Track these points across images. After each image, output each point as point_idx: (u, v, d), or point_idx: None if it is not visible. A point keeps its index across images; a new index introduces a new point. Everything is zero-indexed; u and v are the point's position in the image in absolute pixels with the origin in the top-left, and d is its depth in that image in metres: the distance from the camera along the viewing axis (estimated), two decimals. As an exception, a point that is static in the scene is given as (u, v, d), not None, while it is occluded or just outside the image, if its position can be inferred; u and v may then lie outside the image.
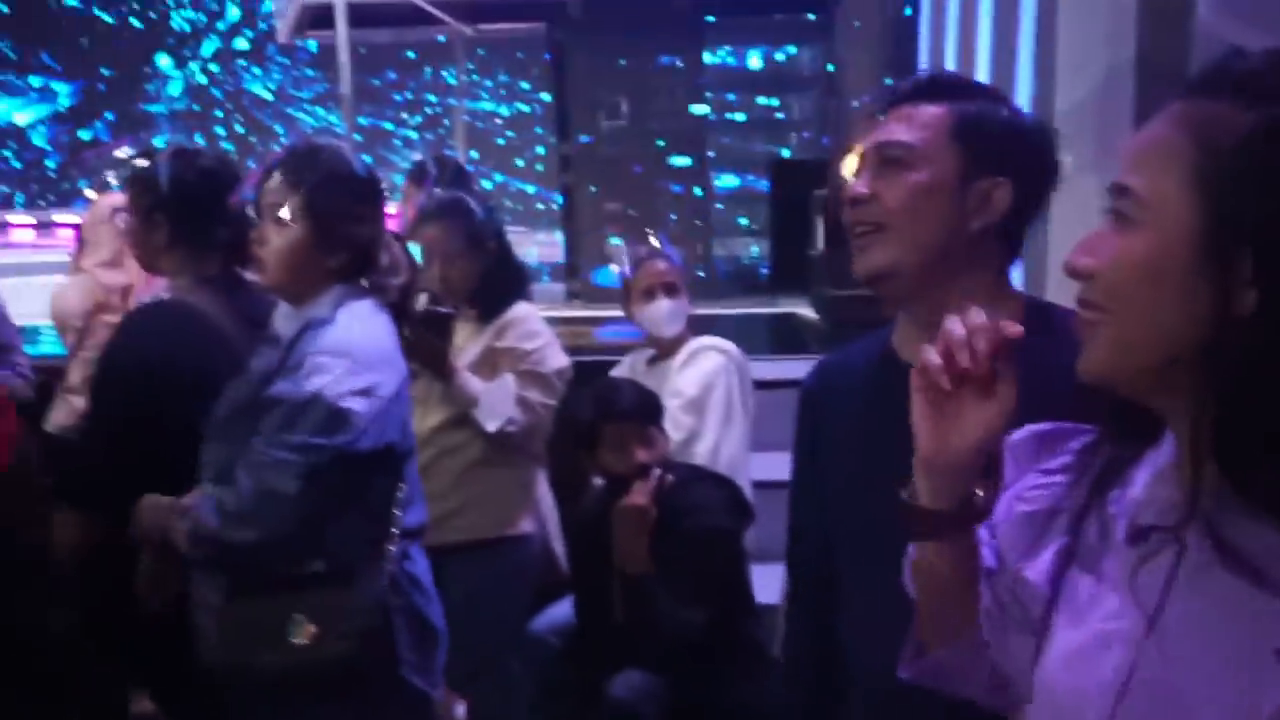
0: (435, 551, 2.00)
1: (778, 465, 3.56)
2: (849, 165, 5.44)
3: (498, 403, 2.55)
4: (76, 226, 9.34)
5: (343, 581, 1.72)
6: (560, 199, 8.03)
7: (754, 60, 10.25)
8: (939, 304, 1.02)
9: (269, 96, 16.03)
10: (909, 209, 1.15)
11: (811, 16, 7.85)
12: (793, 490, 1.39)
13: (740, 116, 10.49)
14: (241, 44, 16.00)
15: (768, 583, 2.56)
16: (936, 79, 1.25)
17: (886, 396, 0.96)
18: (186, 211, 2.00)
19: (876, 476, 0.91)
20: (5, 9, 15.67)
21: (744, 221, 9.32)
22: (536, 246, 7.97)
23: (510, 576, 2.69)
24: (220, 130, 15.79)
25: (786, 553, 1.41)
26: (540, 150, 14.58)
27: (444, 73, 12.06)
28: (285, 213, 1.74)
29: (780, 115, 10.67)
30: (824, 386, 1.34)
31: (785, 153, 9.50)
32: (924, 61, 7.29)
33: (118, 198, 3.64)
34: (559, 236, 7.80)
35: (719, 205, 8.62)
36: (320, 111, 15.58)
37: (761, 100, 10.83)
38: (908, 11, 6.60)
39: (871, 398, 1.22)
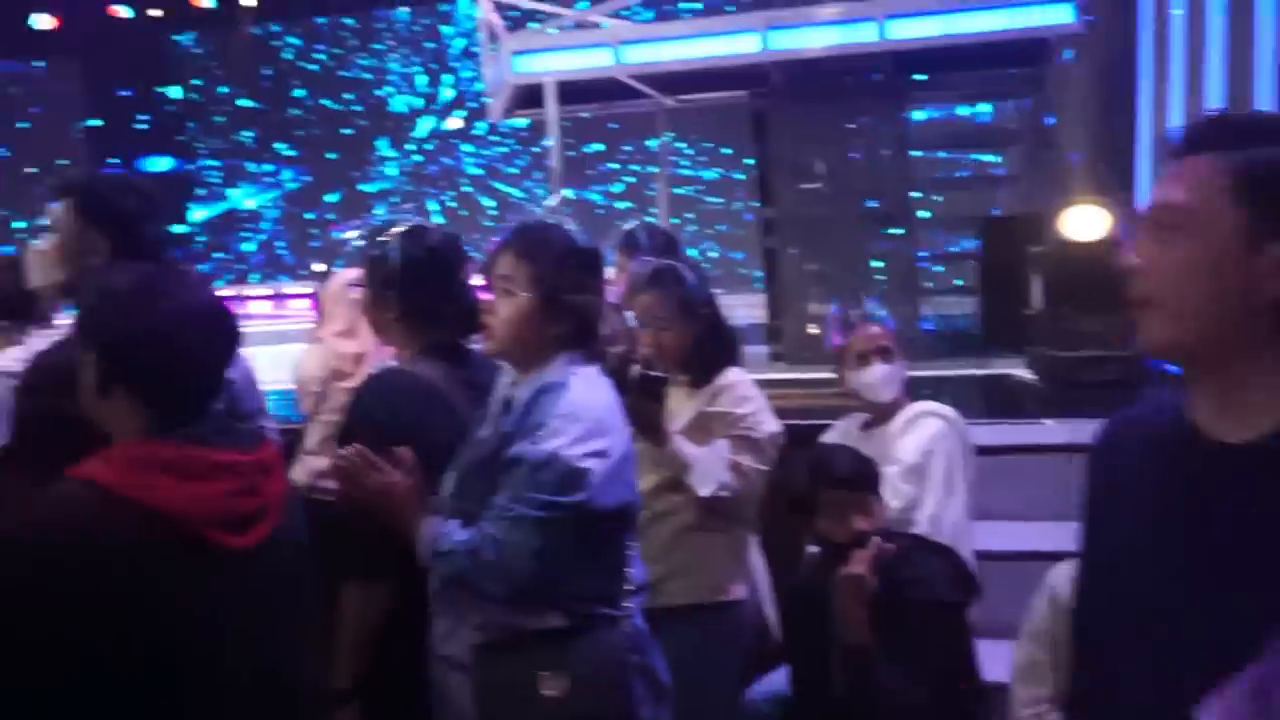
0: (646, 615, 2.02)
1: (1000, 535, 3.44)
2: (1070, 222, 5.20)
3: (711, 468, 2.55)
4: (307, 296, 9.92)
5: (583, 636, 1.79)
6: (763, 262, 8.04)
7: (961, 117, 10.04)
8: (1237, 380, 0.93)
9: (479, 172, 16.90)
10: (1180, 282, 1.02)
11: (1020, 70, 7.62)
12: (1083, 554, 1.27)
13: (947, 174, 10.25)
14: (454, 123, 16.96)
15: (993, 659, 2.43)
16: (1218, 122, 1.07)
17: (1182, 476, 0.87)
18: (415, 287, 2.13)
19: (1165, 562, 0.83)
20: (252, 103, 17.29)
21: (955, 280, 9.05)
22: (741, 309, 8.00)
23: (722, 643, 2.66)
24: (433, 205, 16.73)
25: (1072, 615, 1.25)
26: (739, 212, 14.75)
27: (647, 143, 12.37)
28: (515, 285, 1.85)
29: (989, 171, 10.37)
30: (1113, 448, 1.19)
31: (995, 210, 9.19)
32: (1144, 111, 6.95)
33: (353, 273, 3.91)
34: (762, 299, 7.79)
35: (926, 264, 8.40)
36: (526, 184, 16.31)
37: (969, 156, 10.57)
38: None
39: (1165, 472, 1.07)
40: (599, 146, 15.08)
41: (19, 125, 16.17)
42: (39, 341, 3.37)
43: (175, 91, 17.27)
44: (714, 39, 7.16)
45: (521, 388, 1.87)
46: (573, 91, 7.51)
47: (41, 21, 15.01)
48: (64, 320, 3.79)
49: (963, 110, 10.10)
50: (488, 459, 1.84)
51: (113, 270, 1.64)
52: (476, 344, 2.15)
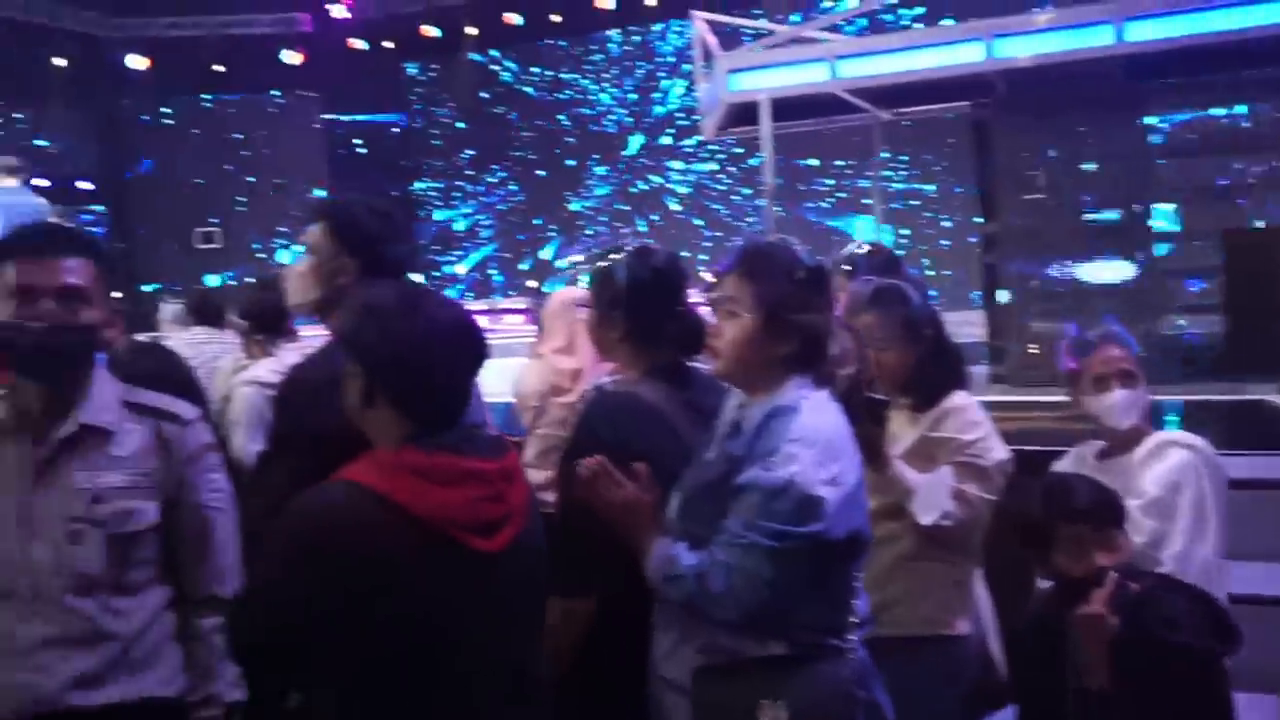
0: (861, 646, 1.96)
1: (1255, 577, 3.15)
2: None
3: (934, 495, 2.45)
4: (521, 311, 10.34)
5: (806, 666, 1.75)
6: (983, 279, 7.73)
7: (1202, 122, 9.34)
8: None
9: (687, 190, 17.06)
10: None
11: (1266, 71, 7.00)
12: None
13: (1188, 183, 9.56)
14: (663, 141, 17.19)
15: (1250, 715, 2.22)
16: None
17: None
18: (640, 308, 2.15)
19: None
20: (470, 126, 18.12)
21: (1199, 298, 8.41)
22: (960, 328, 7.73)
23: (942, 678, 2.55)
24: (642, 225, 16.99)
25: None
26: (956, 226, 14.24)
27: (864, 159, 12.13)
28: (739, 306, 1.83)
29: (1234, 180, 9.60)
30: None
31: (1243, 221, 8.49)
32: None
33: (575, 292, 4.02)
34: (981, 317, 7.49)
35: (1166, 279, 7.84)
36: (736, 201, 16.33)
37: (1212, 164, 9.82)
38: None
39: None
40: (812, 161, 14.92)
41: (264, 152, 17.56)
42: (288, 354, 3.66)
43: (401, 117, 18.33)
44: (935, 50, 6.96)
45: (750, 411, 1.84)
46: (786, 107, 7.47)
47: (290, 57, 16.32)
48: (312, 335, 4.09)
49: (1205, 115, 9.40)
50: (715, 482, 1.82)
51: (373, 289, 1.75)
52: (703, 365, 2.15)
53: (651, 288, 2.16)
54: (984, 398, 3.69)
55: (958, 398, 2.59)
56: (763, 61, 7.71)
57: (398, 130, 18.39)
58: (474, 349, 1.69)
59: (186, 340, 4.93)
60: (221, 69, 16.25)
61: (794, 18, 9.50)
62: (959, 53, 6.85)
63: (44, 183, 9.36)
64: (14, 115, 15.81)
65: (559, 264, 17.44)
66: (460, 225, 18.48)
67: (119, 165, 17.04)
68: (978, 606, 2.69)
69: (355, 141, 18.03)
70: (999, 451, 2.53)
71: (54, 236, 1.91)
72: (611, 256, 2.26)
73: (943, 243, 14.60)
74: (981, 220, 7.63)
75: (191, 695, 1.98)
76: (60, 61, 15.51)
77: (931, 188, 14.68)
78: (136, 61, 15.92)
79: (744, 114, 7.73)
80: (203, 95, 17.13)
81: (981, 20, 7.04)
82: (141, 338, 5.26)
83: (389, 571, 1.53)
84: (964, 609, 2.60)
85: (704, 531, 1.79)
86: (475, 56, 17.62)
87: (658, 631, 1.91)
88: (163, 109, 17.29)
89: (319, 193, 16.97)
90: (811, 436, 1.73)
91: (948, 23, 10.54)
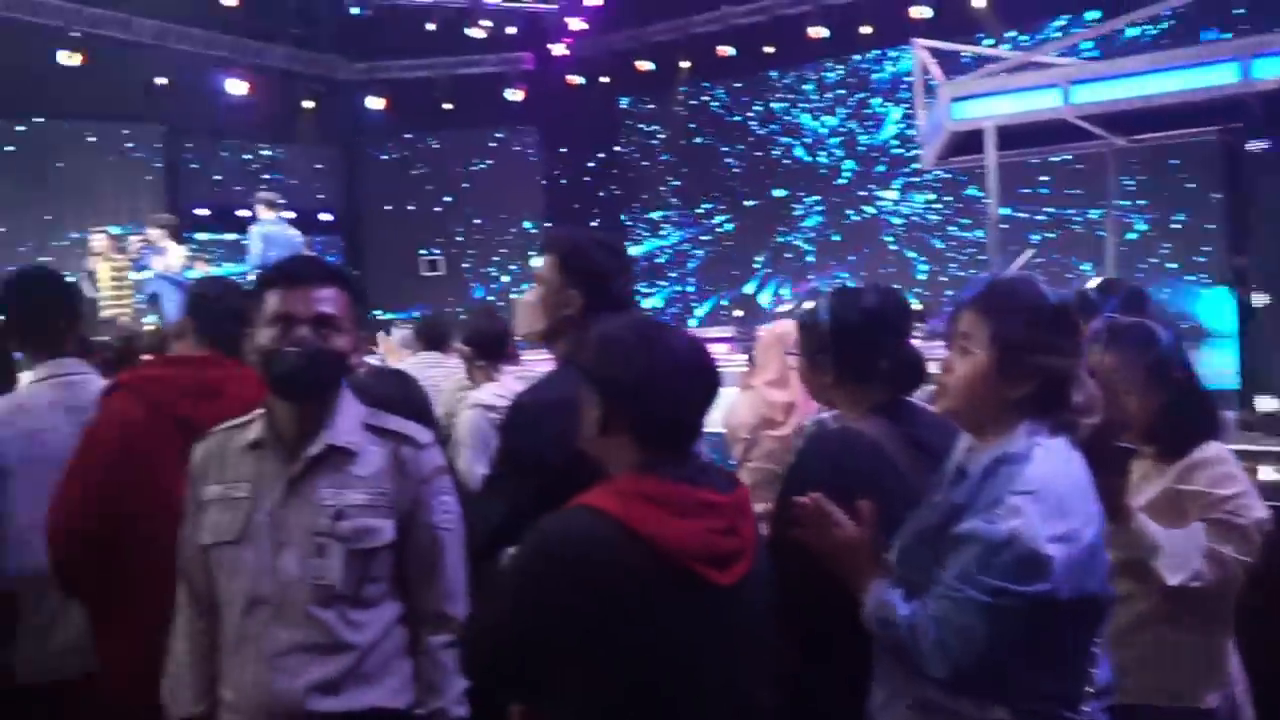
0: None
1: None
2: None
3: (1183, 553, 2.26)
4: (725, 340, 10.35)
5: None
6: (1237, 317, 7.13)
7: None
8: None
9: (900, 221, 16.65)
10: None
11: None
12: None
13: None
14: (876, 173, 16.87)
15: None
16: None
17: None
18: (848, 350, 2.10)
19: None
20: (681, 159, 18.38)
21: None
22: (1206, 371, 7.16)
23: (1191, 757, 2.34)
24: (851, 257, 16.68)
25: None
26: (1200, 261, 13.25)
27: (1094, 188, 11.46)
28: (973, 343, 1.74)
29: None
30: None
31: None
32: None
33: (787, 326, 3.98)
34: (1231, 360, 6.90)
35: None
36: (953, 232, 15.81)
37: None
38: None
39: None
40: (1042, 191, 14.24)
41: (483, 184, 18.43)
42: (510, 378, 3.80)
43: (613, 150, 18.81)
44: (1181, 73, 6.49)
45: (977, 456, 1.75)
46: (1012, 135, 7.18)
47: (512, 94, 17.09)
48: (533, 360, 4.23)
49: None
50: (935, 529, 1.73)
51: (611, 321, 1.79)
52: (928, 403, 2.07)
53: (858, 328, 2.11)
54: (1234, 446, 3.39)
55: (1211, 448, 2.39)
56: (989, 89, 7.41)
57: (609, 163, 18.88)
58: (708, 381, 1.71)
59: (413, 364, 5.20)
60: (449, 106, 17.19)
61: (1019, 39, 9.10)
62: (1209, 75, 6.37)
63: (291, 214, 10.10)
64: (264, 152, 17.25)
65: (762, 297, 17.38)
66: (667, 256, 18.74)
67: (355, 198, 18.29)
68: (1230, 678, 2.46)
69: (569, 174, 18.64)
70: (1258, 510, 2.32)
71: (311, 268, 2.06)
72: (815, 299, 2.22)
73: (1189, 278, 13.57)
74: (1232, 254, 7.06)
75: (418, 709, 2.05)
76: (308, 104, 16.86)
77: (1178, 217, 13.67)
78: (374, 102, 17.09)
79: (966, 143, 7.48)
80: (431, 131, 18.17)
81: (1235, 40, 6.54)
82: (372, 360, 5.59)
83: (626, 598, 1.55)
84: (1214, 680, 2.38)
85: (921, 579, 1.71)
86: (683, 89, 17.89)
87: (874, 680, 1.84)
88: (393, 145, 18.46)
89: (529, 225, 17.71)
90: (1042, 488, 1.61)
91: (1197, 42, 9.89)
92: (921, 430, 2.07)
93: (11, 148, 14.56)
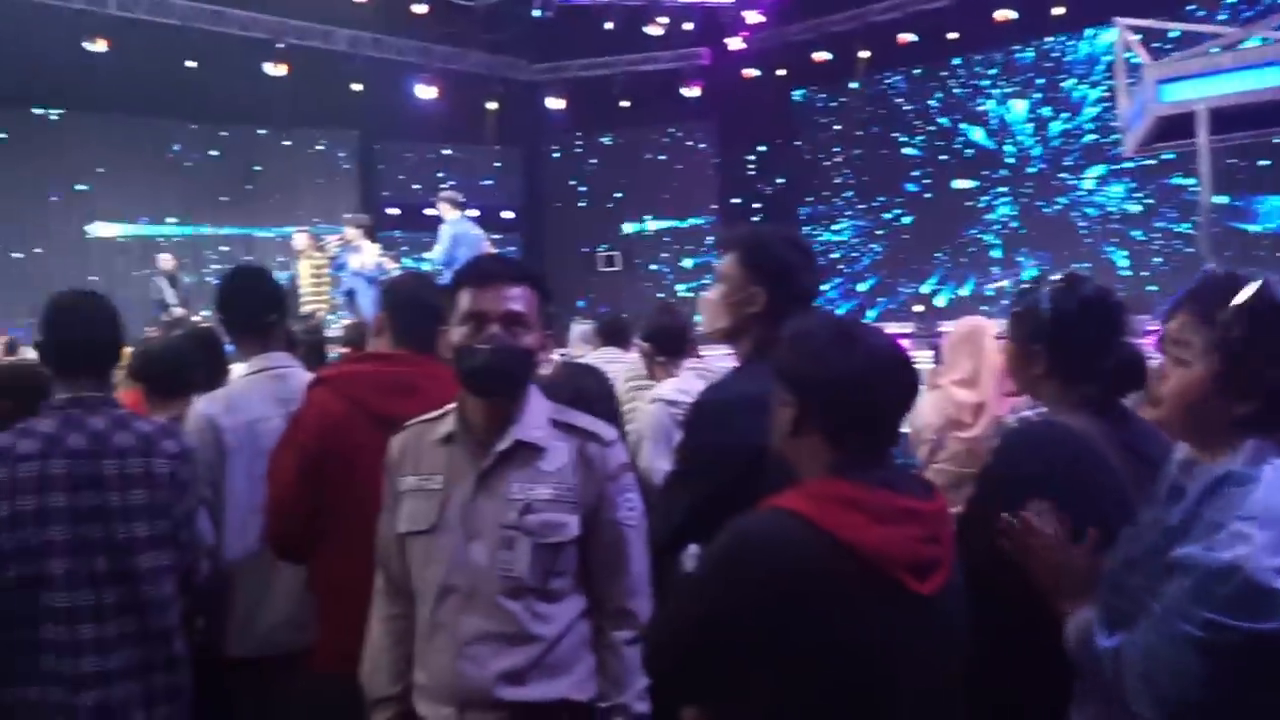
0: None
1: None
2: None
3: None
4: (906, 336, 9.98)
5: None
6: None
7: None
8: None
9: (1095, 212, 15.74)
10: None
11: None
12: None
13: None
14: (1069, 160, 16.01)
15: None
16: None
17: None
18: (1065, 343, 1.98)
19: None
20: (858, 150, 17.99)
21: None
22: None
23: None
24: (1042, 251, 15.88)
25: None
26: None
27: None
28: (1188, 352, 1.58)
29: None
30: None
31: None
32: None
33: (982, 321, 3.82)
34: None
35: None
36: (1156, 224, 14.82)
37: None
38: None
39: None
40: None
41: (659, 180, 18.58)
42: (690, 375, 3.79)
43: (790, 143, 18.59)
44: None
45: (1196, 472, 1.59)
46: (1223, 118, 6.68)
47: (689, 90, 17.16)
48: (713, 356, 4.21)
49: None
50: (1148, 552, 1.59)
51: (807, 320, 1.75)
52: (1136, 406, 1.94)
53: (1079, 320, 1.98)
54: None
55: None
56: (1203, 69, 6.89)
57: (784, 156, 18.68)
58: (908, 380, 1.65)
59: (594, 359, 5.27)
60: (627, 104, 17.42)
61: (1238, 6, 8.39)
62: None
63: (475, 213, 10.40)
64: (447, 152, 17.94)
65: (943, 294, 16.81)
66: (843, 251, 18.37)
67: (534, 196, 18.80)
68: None
69: (744, 168, 18.56)
70: None
71: (502, 267, 2.10)
72: (1032, 285, 2.10)
73: None
74: None
75: (601, 702, 2.07)
76: (492, 105, 17.43)
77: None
78: (555, 102, 17.51)
79: (1171, 128, 6.99)
80: (608, 129, 18.47)
81: None
82: (556, 355, 5.69)
83: (820, 604, 1.52)
84: None
85: (1129, 607, 1.58)
86: (854, 85, 17.49)
87: (1073, 706, 1.73)
88: (572, 143, 18.86)
89: (704, 220, 17.72)
90: (1272, 515, 1.44)
91: None
92: (1136, 435, 1.93)
93: (215, 153, 15.73)
